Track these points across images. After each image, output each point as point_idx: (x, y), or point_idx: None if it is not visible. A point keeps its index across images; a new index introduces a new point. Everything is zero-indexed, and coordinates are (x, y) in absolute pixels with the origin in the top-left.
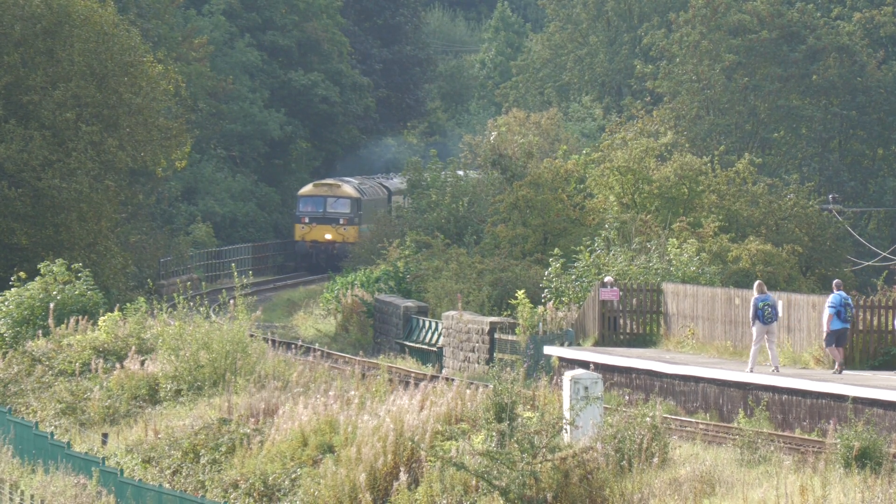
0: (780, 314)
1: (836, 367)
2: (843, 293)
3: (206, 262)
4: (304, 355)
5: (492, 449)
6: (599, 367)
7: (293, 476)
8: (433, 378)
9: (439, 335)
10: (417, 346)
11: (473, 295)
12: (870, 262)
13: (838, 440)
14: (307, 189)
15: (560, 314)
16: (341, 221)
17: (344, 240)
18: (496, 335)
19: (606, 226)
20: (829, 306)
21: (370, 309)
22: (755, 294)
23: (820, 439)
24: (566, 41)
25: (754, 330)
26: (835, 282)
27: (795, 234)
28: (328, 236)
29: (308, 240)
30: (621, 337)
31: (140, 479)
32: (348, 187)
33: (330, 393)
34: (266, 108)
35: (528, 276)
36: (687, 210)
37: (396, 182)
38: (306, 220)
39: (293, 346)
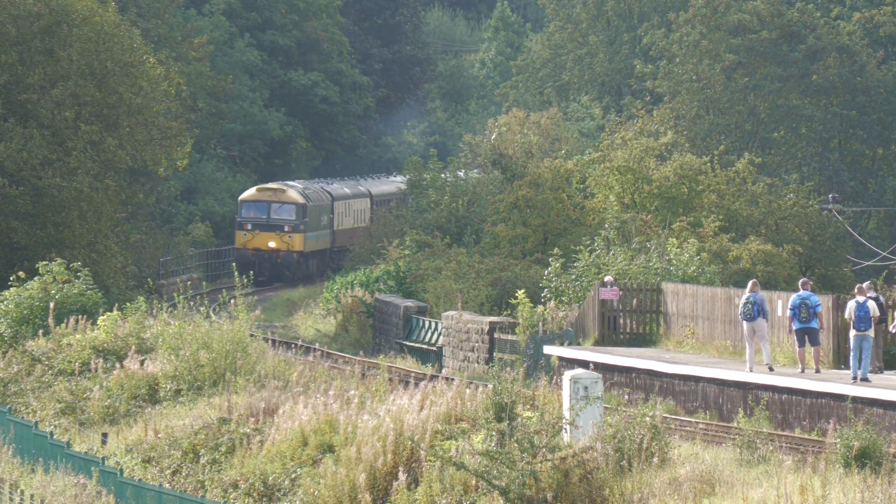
0: (768, 311)
1: (800, 369)
2: (804, 292)
3: (206, 261)
4: (304, 355)
5: (492, 449)
6: (599, 367)
7: (293, 476)
8: (433, 378)
9: (439, 335)
10: (417, 345)
11: (473, 294)
12: (870, 262)
13: (838, 440)
14: (249, 193)
15: (560, 314)
16: (286, 228)
17: (289, 248)
18: (496, 335)
19: (606, 225)
20: (788, 308)
21: (370, 309)
22: (746, 292)
23: (820, 439)
24: (566, 41)
25: (743, 328)
26: (800, 281)
27: (795, 233)
28: (272, 244)
29: (250, 248)
30: (621, 336)
31: (140, 479)
32: (293, 192)
33: (330, 393)
34: (266, 108)
35: (527, 275)
36: (687, 210)
37: (337, 187)
38: (248, 227)
39: (293, 345)
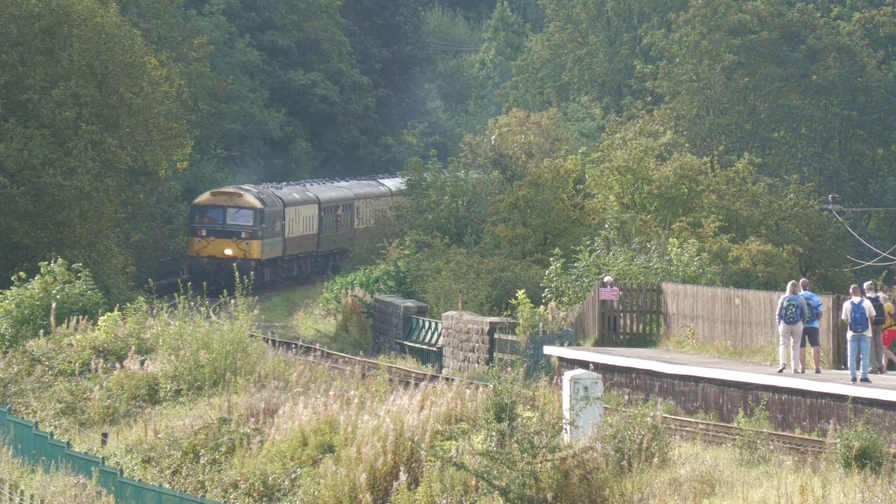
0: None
1: (799, 368)
2: (806, 292)
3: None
4: (304, 355)
5: (492, 449)
6: (599, 367)
7: (293, 476)
8: (433, 378)
9: (439, 335)
10: (417, 346)
11: (473, 295)
12: (870, 262)
13: (838, 440)
14: (204, 198)
15: (561, 314)
16: (243, 235)
17: (246, 256)
18: (496, 335)
19: (606, 226)
20: None
21: (370, 309)
22: (786, 293)
23: (820, 439)
24: (566, 41)
25: (779, 329)
26: (801, 281)
27: (795, 234)
28: (228, 252)
29: (205, 255)
30: (621, 337)
31: (140, 479)
32: (250, 197)
33: (330, 393)
34: (266, 108)
35: (528, 276)
36: (687, 210)
37: (287, 192)
38: (203, 233)
39: (293, 346)
